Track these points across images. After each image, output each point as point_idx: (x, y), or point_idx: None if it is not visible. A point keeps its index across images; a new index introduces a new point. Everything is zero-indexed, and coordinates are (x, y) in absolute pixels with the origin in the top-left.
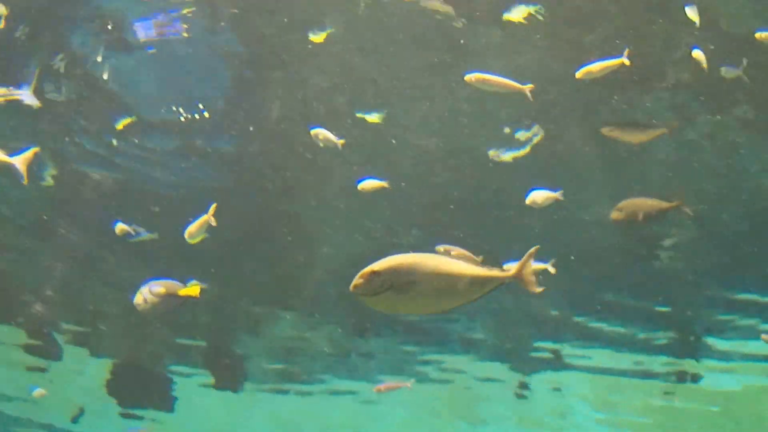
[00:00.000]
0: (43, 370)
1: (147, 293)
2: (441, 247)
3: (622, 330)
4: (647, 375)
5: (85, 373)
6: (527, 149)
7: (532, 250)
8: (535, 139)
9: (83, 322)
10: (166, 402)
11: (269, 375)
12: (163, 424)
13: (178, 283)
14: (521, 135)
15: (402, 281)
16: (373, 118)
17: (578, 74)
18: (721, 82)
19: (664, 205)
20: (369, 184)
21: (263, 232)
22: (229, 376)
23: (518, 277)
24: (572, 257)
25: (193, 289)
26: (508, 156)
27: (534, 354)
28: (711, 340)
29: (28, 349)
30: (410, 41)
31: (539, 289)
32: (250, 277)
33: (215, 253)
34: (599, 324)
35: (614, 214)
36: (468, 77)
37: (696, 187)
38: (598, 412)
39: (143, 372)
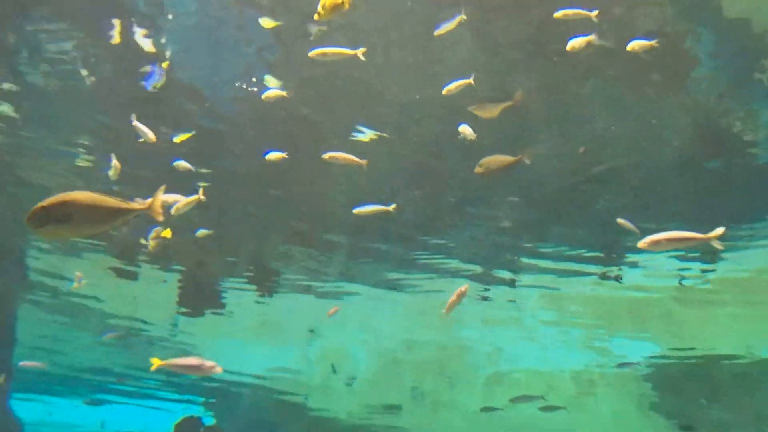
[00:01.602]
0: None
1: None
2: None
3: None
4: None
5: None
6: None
7: (161, 188)
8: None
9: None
10: (218, 305)
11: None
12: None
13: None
14: None
15: (61, 214)
16: None
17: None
18: None
19: (509, 159)
20: None
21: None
22: (266, 286)
23: (149, 208)
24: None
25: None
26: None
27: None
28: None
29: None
30: None
31: (161, 218)
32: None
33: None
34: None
35: (477, 169)
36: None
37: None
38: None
39: (202, 284)
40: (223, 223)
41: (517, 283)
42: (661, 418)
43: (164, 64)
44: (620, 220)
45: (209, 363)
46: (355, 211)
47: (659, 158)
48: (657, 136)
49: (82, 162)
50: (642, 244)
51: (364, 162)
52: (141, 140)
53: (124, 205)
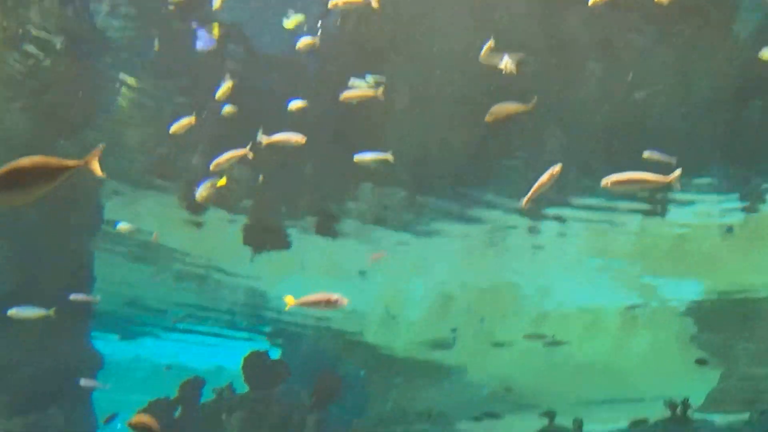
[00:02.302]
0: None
1: (203, 189)
2: None
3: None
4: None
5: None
6: None
7: (99, 147)
8: None
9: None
10: (283, 245)
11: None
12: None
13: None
14: None
15: (8, 182)
16: None
17: None
18: None
19: (517, 107)
20: None
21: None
22: (328, 228)
23: (86, 165)
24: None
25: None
26: None
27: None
28: None
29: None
30: None
31: (101, 174)
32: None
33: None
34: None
35: (487, 117)
36: None
37: None
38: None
39: (267, 224)
40: (286, 165)
41: (564, 222)
42: (700, 353)
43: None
44: (647, 153)
45: (335, 296)
46: (355, 158)
47: (699, 97)
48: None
49: None
50: (605, 182)
51: (378, 93)
52: None
53: (64, 163)
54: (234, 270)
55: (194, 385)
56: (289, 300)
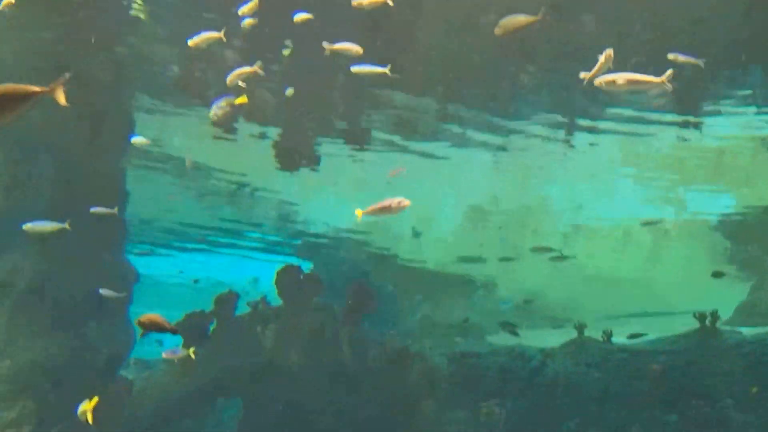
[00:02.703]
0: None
1: (216, 108)
2: None
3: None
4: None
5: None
6: None
7: (66, 75)
8: None
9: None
10: (314, 161)
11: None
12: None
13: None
14: None
15: None
16: None
17: None
18: None
19: (527, 19)
20: None
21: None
22: (359, 143)
23: (51, 92)
24: None
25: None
26: None
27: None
28: None
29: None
30: None
31: (65, 103)
32: None
33: None
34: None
35: (496, 30)
36: None
37: None
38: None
39: (298, 140)
40: (315, 80)
41: (596, 134)
42: (730, 266)
43: None
44: (672, 55)
45: (397, 199)
46: (352, 69)
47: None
48: None
49: None
50: (598, 82)
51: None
52: None
53: (31, 89)
54: (266, 186)
55: (228, 298)
56: (359, 212)
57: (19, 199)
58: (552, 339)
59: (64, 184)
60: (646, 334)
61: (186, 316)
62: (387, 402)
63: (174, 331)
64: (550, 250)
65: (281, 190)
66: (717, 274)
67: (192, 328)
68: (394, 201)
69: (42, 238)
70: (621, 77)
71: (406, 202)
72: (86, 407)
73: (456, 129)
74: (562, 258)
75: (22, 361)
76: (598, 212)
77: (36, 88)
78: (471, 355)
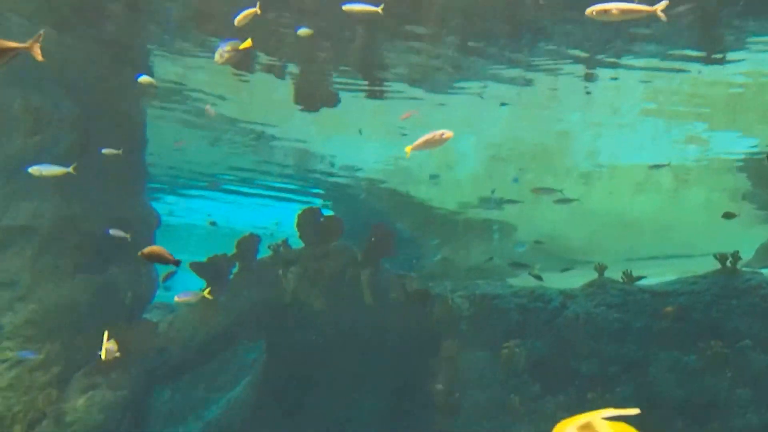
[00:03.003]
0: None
1: (221, 51)
2: None
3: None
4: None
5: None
6: None
7: (41, 32)
8: None
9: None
10: (332, 102)
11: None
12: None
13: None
14: None
15: None
16: None
17: None
18: None
19: None
20: None
21: None
22: (377, 83)
23: (29, 48)
24: None
25: (247, 43)
26: None
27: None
28: None
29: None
30: None
31: (41, 58)
32: None
33: None
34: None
35: None
36: None
37: None
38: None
39: (316, 82)
40: (333, 20)
41: (618, 69)
42: (751, 208)
43: None
44: None
45: (440, 132)
46: (344, 8)
47: None
48: None
49: None
50: (589, 11)
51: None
52: None
53: (7, 45)
54: (285, 130)
55: (250, 241)
56: (408, 149)
57: (39, 144)
58: (572, 281)
59: (84, 128)
60: (645, 277)
61: (208, 259)
62: (408, 344)
63: (176, 263)
64: (552, 191)
65: (301, 134)
66: (728, 216)
67: (214, 271)
68: (437, 134)
69: (62, 182)
70: (614, 6)
71: (449, 134)
72: (112, 346)
73: (475, 67)
74: (567, 201)
75: (48, 305)
76: (618, 152)
77: (12, 44)
78: (491, 296)
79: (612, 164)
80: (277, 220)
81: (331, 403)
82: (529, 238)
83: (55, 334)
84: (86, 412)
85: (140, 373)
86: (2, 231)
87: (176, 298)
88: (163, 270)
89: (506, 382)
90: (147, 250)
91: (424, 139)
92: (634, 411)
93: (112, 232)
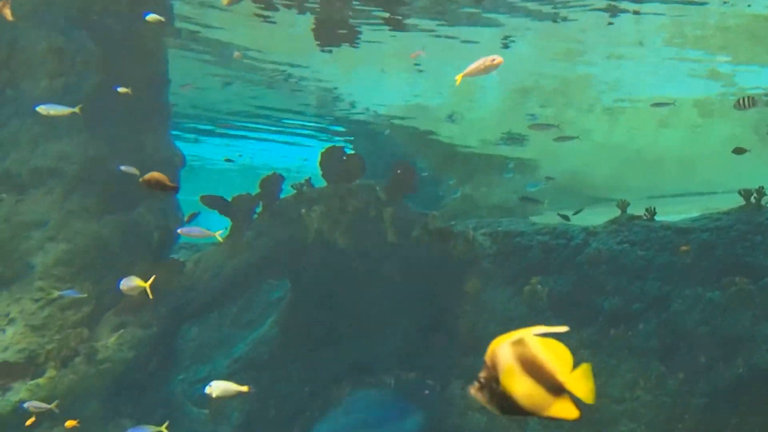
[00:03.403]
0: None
1: None
2: None
3: None
4: None
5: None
6: None
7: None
8: None
9: None
10: (353, 38)
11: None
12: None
13: None
14: None
15: None
16: None
17: None
18: None
19: None
20: None
21: None
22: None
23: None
24: None
25: None
26: None
27: None
28: None
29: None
30: None
31: (12, 18)
32: None
33: None
34: None
35: None
36: None
37: None
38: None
39: (336, 18)
40: None
41: (641, 3)
42: None
43: None
44: None
45: (491, 58)
46: None
47: None
48: None
49: None
50: None
51: None
52: None
53: None
54: (306, 68)
55: (274, 181)
56: (458, 77)
57: (64, 85)
58: (594, 219)
59: (108, 68)
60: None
61: (233, 198)
62: (430, 281)
63: (174, 189)
64: (550, 127)
65: (321, 73)
66: (738, 151)
67: (239, 210)
68: (487, 60)
69: (88, 123)
70: None
71: (500, 60)
72: (141, 283)
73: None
74: (566, 138)
75: (78, 244)
76: (641, 86)
77: None
78: (514, 233)
79: (635, 98)
80: (297, 161)
81: (355, 340)
82: (552, 175)
83: (84, 274)
84: (117, 349)
85: (168, 311)
86: (31, 172)
87: (179, 231)
88: (188, 211)
89: (529, 319)
90: (147, 176)
91: (474, 66)
92: (563, 329)
93: (123, 168)
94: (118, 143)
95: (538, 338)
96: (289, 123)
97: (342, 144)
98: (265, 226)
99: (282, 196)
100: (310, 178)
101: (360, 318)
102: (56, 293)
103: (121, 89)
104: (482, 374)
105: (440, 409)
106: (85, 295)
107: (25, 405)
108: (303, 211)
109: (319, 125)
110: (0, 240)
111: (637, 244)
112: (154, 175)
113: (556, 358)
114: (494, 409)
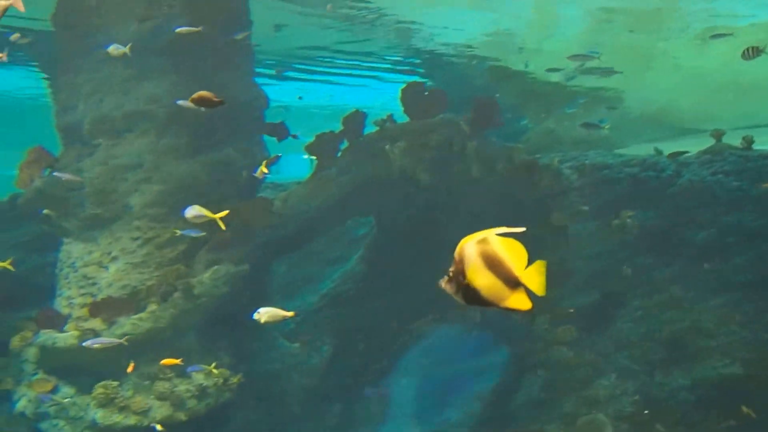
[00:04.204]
0: None
1: None
2: None
3: None
4: None
5: None
6: None
7: None
8: None
9: None
10: None
11: None
12: None
13: None
14: None
15: None
16: None
17: None
18: None
19: None
20: None
21: None
22: None
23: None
24: None
25: None
26: None
27: None
28: None
29: None
30: None
31: (22, 9)
32: None
33: None
34: None
35: None
36: None
37: None
38: None
39: None
40: None
41: None
42: None
43: None
44: None
45: None
46: None
47: None
48: None
49: None
50: None
51: None
52: None
53: None
54: (383, 2)
55: (356, 118)
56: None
57: (153, 27)
58: (688, 148)
59: (192, 11)
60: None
61: (316, 137)
62: (516, 215)
63: (221, 103)
64: (589, 58)
65: (399, 7)
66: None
67: (323, 148)
68: None
69: (176, 65)
70: None
71: None
72: (206, 212)
73: None
74: (609, 72)
75: (171, 185)
76: (734, 11)
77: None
78: (601, 166)
79: (729, 25)
80: (377, 98)
81: (440, 275)
82: (638, 106)
83: (176, 213)
84: (213, 285)
85: (258, 248)
86: (126, 115)
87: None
88: (273, 151)
89: (618, 253)
90: (196, 95)
91: None
92: (521, 229)
93: (180, 102)
94: (204, 85)
95: (500, 238)
96: (365, 64)
97: (423, 79)
98: (348, 163)
99: (365, 132)
100: (391, 114)
101: (443, 253)
102: (179, 232)
103: (183, 29)
104: (451, 269)
105: (525, 344)
106: (204, 233)
107: (86, 343)
108: (386, 147)
109: (398, 61)
110: (99, 183)
111: (733, 174)
112: (202, 93)
113: (513, 255)
114: (460, 299)
